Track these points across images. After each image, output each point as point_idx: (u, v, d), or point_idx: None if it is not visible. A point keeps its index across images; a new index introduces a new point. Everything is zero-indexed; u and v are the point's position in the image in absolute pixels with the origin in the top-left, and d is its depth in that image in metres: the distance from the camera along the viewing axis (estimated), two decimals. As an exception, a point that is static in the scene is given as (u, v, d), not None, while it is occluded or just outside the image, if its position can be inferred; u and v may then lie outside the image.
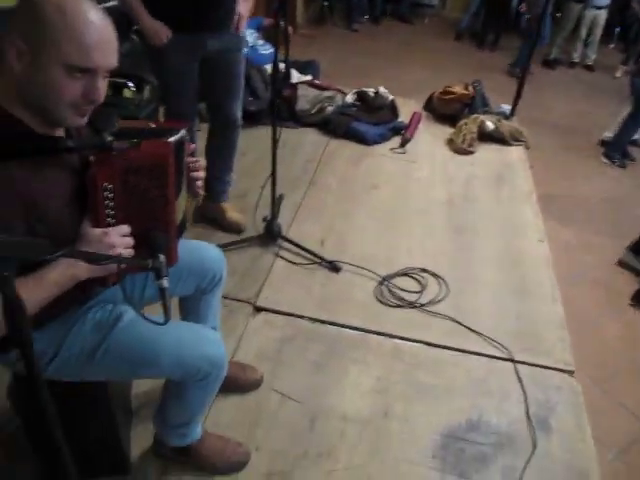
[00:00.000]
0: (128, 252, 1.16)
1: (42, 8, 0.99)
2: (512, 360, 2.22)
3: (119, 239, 1.14)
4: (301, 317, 2.30)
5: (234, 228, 2.78)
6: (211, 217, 2.82)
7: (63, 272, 1.08)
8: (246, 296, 2.36)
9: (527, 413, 2.01)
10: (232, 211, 2.83)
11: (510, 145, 4.00)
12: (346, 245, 2.78)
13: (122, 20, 3.24)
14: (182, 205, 1.38)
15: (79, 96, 1.06)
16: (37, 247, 0.79)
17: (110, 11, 1.18)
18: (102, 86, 1.08)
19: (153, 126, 1.35)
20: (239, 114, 2.61)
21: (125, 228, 1.16)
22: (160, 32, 2.20)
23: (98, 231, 1.13)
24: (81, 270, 1.10)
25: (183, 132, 1.27)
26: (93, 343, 1.28)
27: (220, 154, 2.67)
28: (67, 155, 1.15)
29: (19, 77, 1.03)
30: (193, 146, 1.39)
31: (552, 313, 2.54)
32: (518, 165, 3.80)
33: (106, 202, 1.16)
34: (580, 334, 2.81)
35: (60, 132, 1.16)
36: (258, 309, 2.32)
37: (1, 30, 1.05)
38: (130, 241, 1.17)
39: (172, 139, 1.24)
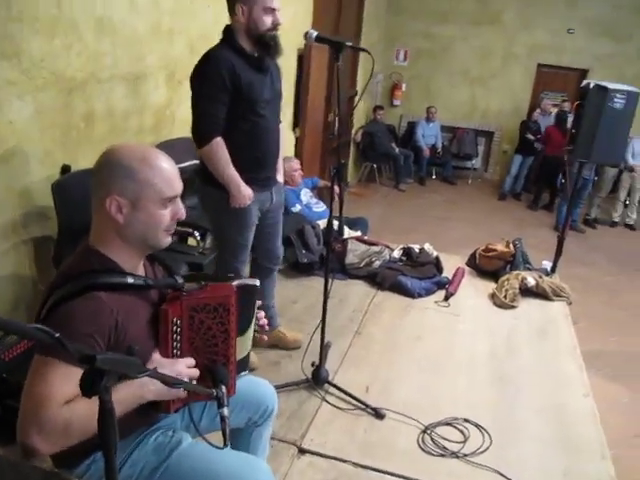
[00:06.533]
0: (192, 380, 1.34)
1: (130, 167, 1.29)
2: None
3: (185, 369, 1.33)
4: (344, 461, 2.35)
5: (296, 345, 3.12)
6: (270, 344, 3.05)
7: (134, 392, 1.25)
8: (292, 438, 2.44)
9: None
10: (289, 332, 3.17)
11: (552, 300, 4.10)
12: (390, 393, 2.87)
13: (192, 177, 3.71)
14: (247, 345, 1.57)
15: (170, 219, 1.36)
16: (133, 365, 0.99)
17: (183, 170, 1.50)
18: (182, 205, 1.39)
19: (231, 275, 1.59)
20: (282, 249, 3.03)
21: (191, 360, 1.36)
22: (249, 196, 2.55)
23: (168, 359, 1.34)
24: (149, 393, 1.28)
25: (257, 281, 1.51)
26: (154, 464, 1.41)
27: (269, 285, 2.97)
28: (147, 290, 1.40)
29: (121, 224, 1.31)
30: (258, 302, 1.61)
31: (601, 472, 2.49)
32: (560, 320, 3.87)
33: (174, 335, 1.37)
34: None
35: (141, 270, 1.42)
36: (303, 451, 2.39)
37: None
38: (195, 372, 1.36)
39: (235, 283, 1.47)
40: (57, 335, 0.83)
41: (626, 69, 8.64)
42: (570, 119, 7.67)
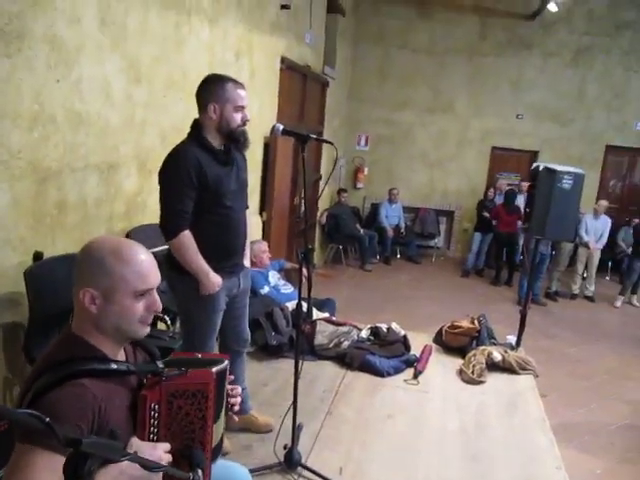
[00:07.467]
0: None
1: (102, 260, 1.34)
2: None
3: (164, 454, 1.34)
4: None
5: (268, 429, 3.09)
6: (242, 428, 3.02)
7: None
8: (266, 525, 2.39)
9: None
10: (260, 416, 3.13)
11: (519, 374, 4.17)
12: (364, 474, 2.84)
13: (162, 262, 3.76)
14: (220, 430, 1.58)
15: (145, 311, 1.40)
16: (116, 448, 1.01)
17: (155, 254, 1.58)
18: (157, 297, 1.43)
19: (199, 356, 1.63)
20: (249, 331, 3.05)
21: (168, 446, 1.37)
22: (218, 283, 2.61)
23: (147, 444, 1.34)
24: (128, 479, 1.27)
25: (226, 363, 1.55)
26: None
27: (239, 368, 2.97)
28: (127, 376, 1.42)
29: (95, 314, 1.35)
30: (231, 377, 1.65)
31: None
32: (528, 393, 3.93)
33: (152, 420, 1.38)
34: None
35: (122, 355, 1.46)
36: (278, 538, 2.34)
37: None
38: (170, 457, 1.36)
39: (214, 369, 1.50)
40: (47, 420, 0.86)
41: (571, 150, 9.27)
42: (520, 198, 8.20)
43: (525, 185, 8.47)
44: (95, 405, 1.26)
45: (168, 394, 1.40)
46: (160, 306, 1.43)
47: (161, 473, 1.32)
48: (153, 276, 1.41)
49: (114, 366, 1.35)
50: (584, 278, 7.99)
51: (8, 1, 2.26)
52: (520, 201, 8.25)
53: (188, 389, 1.42)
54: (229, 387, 1.61)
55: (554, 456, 3.18)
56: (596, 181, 9.40)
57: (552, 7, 8.25)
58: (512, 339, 4.72)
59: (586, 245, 7.81)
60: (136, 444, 1.32)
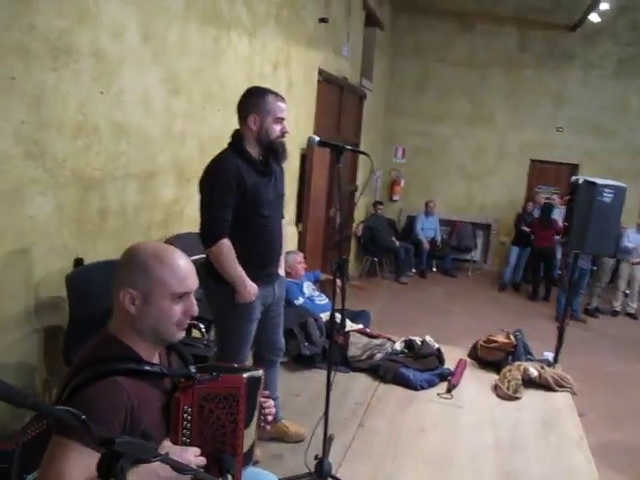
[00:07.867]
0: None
1: (145, 262, 1.39)
2: None
3: (194, 458, 1.35)
4: None
5: (299, 439, 3.10)
6: (273, 437, 3.03)
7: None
8: (296, 535, 2.39)
9: None
10: (292, 425, 3.14)
11: (555, 391, 4.08)
12: (395, 488, 2.82)
13: (199, 269, 3.82)
14: (252, 436, 1.59)
15: (182, 314, 1.43)
16: (148, 449, 1.04)
17: (193, 262, 1.63)
18: (194, 302, 1.46)
19: (235, 366, 1.65)
20: (283, 340, 3.07)
21: (198, 450, 1.38)
22: (254, 292, 2.64)
23: (178, 447, 1.36)
24: None
25: (260, 372, 1.57)
26: None
27: (272, 376, 2.96)
28: (161, 379, 1.46)
29: (134, 315, 1.39)
30: (267, 392, 1.66)
31: None
32: (565, 411, 3.84)
33: (185, 423, 1.41)
34: None
35: (156, 359, 1.49)
36: None
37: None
38: (203, 461, 1.38)
39: (246, 375, 1.52)
40: (83, 417, 0.89)
41: (614, 164, 9.04)
42: (556, 211, 8.02)
43: (558, 199, 8.34)
44: (128, 404, 1.30)
45: (200, 397, 1.42)
46: (197, 310, 1.46)
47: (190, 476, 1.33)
48: (191, 280, 1.44)
49: (148, 367, 1.38)
50: (626, 295, 7.76)
51: (57, 18, 2.36)
52: (557, 215, 8.09)
53: (219, 393, 1.44)
54: (262, 400, 1.62)
55: (592, 477, 3.09)
56: (639, 195, 9.15)
57: (594, 18, 8.12)
58: (549, 355, 4.61)
59: (630, 259, 7.52)
60: (167, 446, 1.35)
